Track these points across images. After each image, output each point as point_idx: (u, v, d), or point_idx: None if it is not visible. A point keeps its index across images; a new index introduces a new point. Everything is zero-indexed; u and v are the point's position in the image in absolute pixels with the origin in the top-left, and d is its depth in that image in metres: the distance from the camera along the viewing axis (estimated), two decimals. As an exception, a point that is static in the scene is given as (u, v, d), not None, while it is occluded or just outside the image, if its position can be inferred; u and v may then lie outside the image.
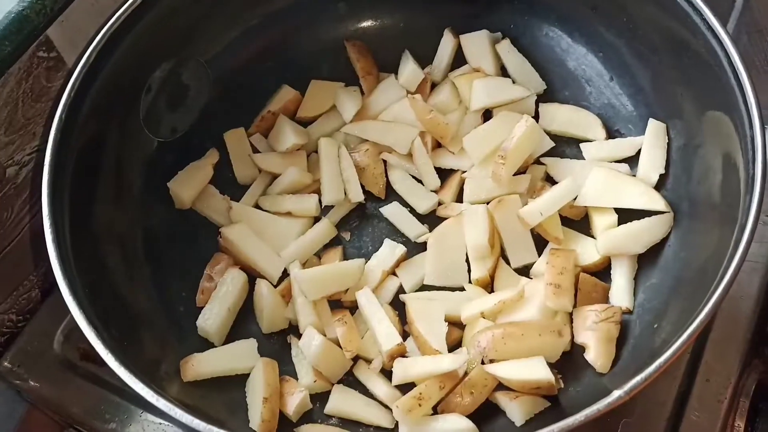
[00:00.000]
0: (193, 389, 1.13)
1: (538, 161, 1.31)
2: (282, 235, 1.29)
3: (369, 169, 1.32)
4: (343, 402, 1.14)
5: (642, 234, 1.17)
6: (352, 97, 1.39)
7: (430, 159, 1.32)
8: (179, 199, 1.31)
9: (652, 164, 1.23)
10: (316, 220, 1.32)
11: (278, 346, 1.22)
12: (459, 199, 1.30)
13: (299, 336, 1.19)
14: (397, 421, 1.10)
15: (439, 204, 1.31)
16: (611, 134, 1.32)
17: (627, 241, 1.17)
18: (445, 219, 1.27)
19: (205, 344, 1.20)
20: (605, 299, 1.17)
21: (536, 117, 1.33)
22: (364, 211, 1.34)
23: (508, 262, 1.23)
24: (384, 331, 1.15)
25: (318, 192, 1.33)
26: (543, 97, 1.37)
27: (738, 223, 0.98)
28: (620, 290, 1.16)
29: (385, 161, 1.35)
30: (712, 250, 1.04)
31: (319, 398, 1.16)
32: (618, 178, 1.22)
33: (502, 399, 1.08)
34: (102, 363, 0.98)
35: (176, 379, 1.13)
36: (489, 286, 1.22)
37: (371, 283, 1.22)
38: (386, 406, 1.13)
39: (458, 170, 1.32)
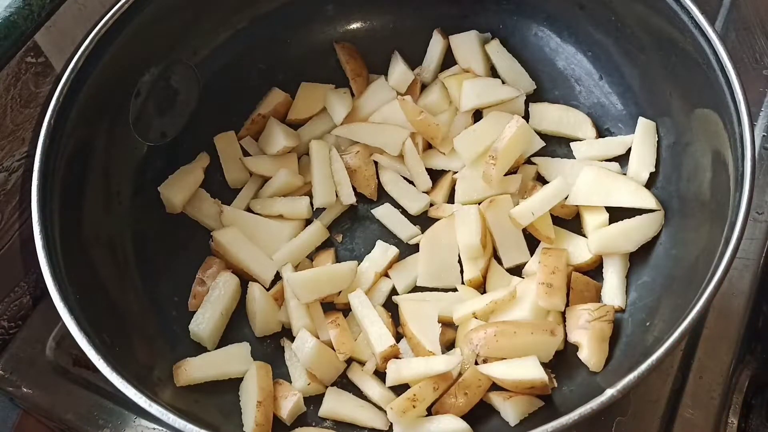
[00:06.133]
0: (187, 394, 1.13)
1: (528, 161, 1.31)
2: (274, 238, 1.29)
3: (360, 170, 1.32)
4: (337, 404, 1.14)
5: (633, 232, 1.17)
6: (343, 99, 1.39)
7: (421, 160, 1.32)
8: (170, 203, 1.31)
9: (642, 162, 1.23)
10: (308, 222, 1.32)
11: (271, 349, 1.22)
12: (450, 199, 1.30)
13: (292, 339, 1.19)
14: (391, 423, 1.10)
15: (431, 205, 1.31)
16: (601, 133, 1.32)
17: (618, 240, 1.18)
18: (437, 220, 1.27)
19: (198, 349, 1.20)
20: (597, 298, 1.17)
21: (526, 117, 1.34)
22: (356, 213, 1.34)
23: (500, 263, 1.23)
24: (377, 333, 1.15)
25: (309, 194, 1.33)
26: (533, 97, 1.37)
27: (728, 220, 0.98)
28: (612, 289, 1.16)
29: (376, 163, 1.35)
30: (703, 247, 1.04)
31: (313, 401, 1.15)
32: (608, 177, 1.22)
33: (496, 399, 1.08)
34: (95, 369, 0.98)
35: (169, 384, 1.13)
36: (481, 287, 1.22)
37: (364, 285, 1.22)
38: (380, 408, 1.13)
39: (449, 171, 1.32)
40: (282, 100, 1.40)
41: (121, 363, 1.00)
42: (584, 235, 1.22)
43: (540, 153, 1.31)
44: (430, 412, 1.09)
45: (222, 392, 1.15)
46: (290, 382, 1.17)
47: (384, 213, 1.31)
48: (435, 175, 1.33)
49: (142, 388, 0.97)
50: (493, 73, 1.39)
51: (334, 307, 1.23)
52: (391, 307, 1.22)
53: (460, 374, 1.11)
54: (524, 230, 1.22)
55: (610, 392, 0.90)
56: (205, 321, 1.19)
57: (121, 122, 1.26)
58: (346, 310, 1.22)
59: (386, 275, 1.25)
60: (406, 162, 1.33)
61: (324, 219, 1.32)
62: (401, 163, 1.33)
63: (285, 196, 1.33)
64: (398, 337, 1.18)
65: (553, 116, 1.34)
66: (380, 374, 1.16)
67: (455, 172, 1.31)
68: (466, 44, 1.40)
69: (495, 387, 1.09)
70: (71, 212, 1.14)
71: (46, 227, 1.06)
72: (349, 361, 1.18)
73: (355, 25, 1.46)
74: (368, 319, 1.17)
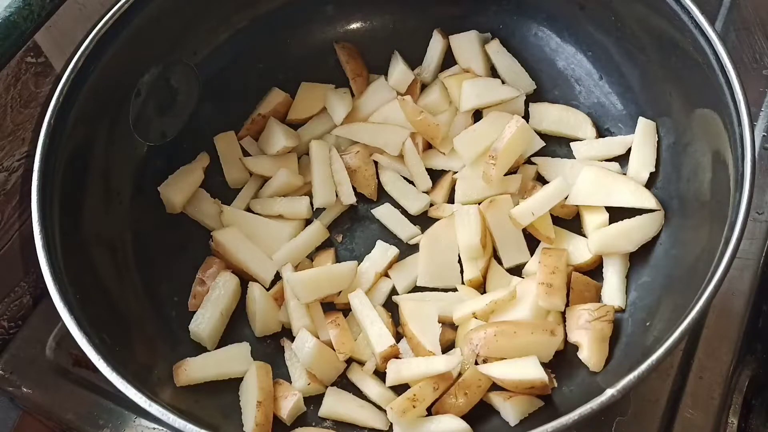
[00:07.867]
0: (187, 394, 1.13)
1: (528, 161, 1.31)
2: (274, 238, 1.29)
3: (360, 170, 1.32)
4: (337, 404, 1.14)
5: (633, 232, 1.17)
6: (343, 99, 1.39)
7: (421, 160, 1.32)
8: (170, 203, 1.31)
9: (642, 162, 1.23)
10: (308, 222, 1.32)
11: (271, 349, 1.22)
12: (450, 199, 1.30)
13: (292, 339, 1.19)
14: (391, 423, 1.10)
15: (431, 205, 1.31)
16: (601, 133, 1.32)
17: (618, 240, 1.18)
18: (437, 220, 1.27)
19: (198, 349, 1.20)
20: (597, 298, 1.17)
21: (526, 117, 1.34)
22: (356, 213, 1.34)
23: (500, 263, 1.23)
24: (377, 333, 1.15)
25: (309, 194, 1.33)
26: (533, 97, 1.37)
27: (728, 220, 0.98)
28: (612, 289, 1.16)
29: (376, 163, 1.35)
30: (703, 247, 1.04)
31: (313, 401, 1.15)
32: (608, 177, 1.22)
33: (496, 399, 1.08)
34: (95, 369, 0.98)
35: (169, 384, 1.13)
36: (481, 287, 1.22)
37: (364, 285, 1.22)
38: (380, 408, 1.13)
39: (449, 171, 1.32)
40: (282, 100, 1.40)
41: (121, 363, 1.00)
42: (584, 235, 1.22)
43: (540, 153, 1.31)
44: (430, 412, 1.09)
45: (222, 392, 1.15)
46: (290, 382, 1.17)
47: (384, 213, 1.31)
48: (435, 175, 1.33)
49: (142, 388, 0.97)
50: (493, 73, 1.39)
51: (334, 307, 1.23)
52: (391, 307, 1.22)
53: (460, 374, 1.11)
54: (524, 230, 1.22)
55: (610, 392, 0.90)
56: (205, 321, 1.19)
57: (121, 122, 1.26)
58: (346, 310, 1.22)
59: (386, 275, 1.25)
60: (406, 162, 1.33)
61: (324, 219, 1.32)
62: (401, 163, 1.33)
63: (285, 196, 1.33)
64: (398, 337, 1.18)
65: (553, 116, 1.34)
66: (380, 374, 1.16)
67: (455, 172, 1.32)
68: (466, 44, 1.39)
69: (495, 387, 1.09)
70: (71, 212, 1.14)
71: (46, 227, 1.06)
72: (349, 361, 1.18)
73: (355, 25, 1.46)
74: (368, 319, 1.17)
